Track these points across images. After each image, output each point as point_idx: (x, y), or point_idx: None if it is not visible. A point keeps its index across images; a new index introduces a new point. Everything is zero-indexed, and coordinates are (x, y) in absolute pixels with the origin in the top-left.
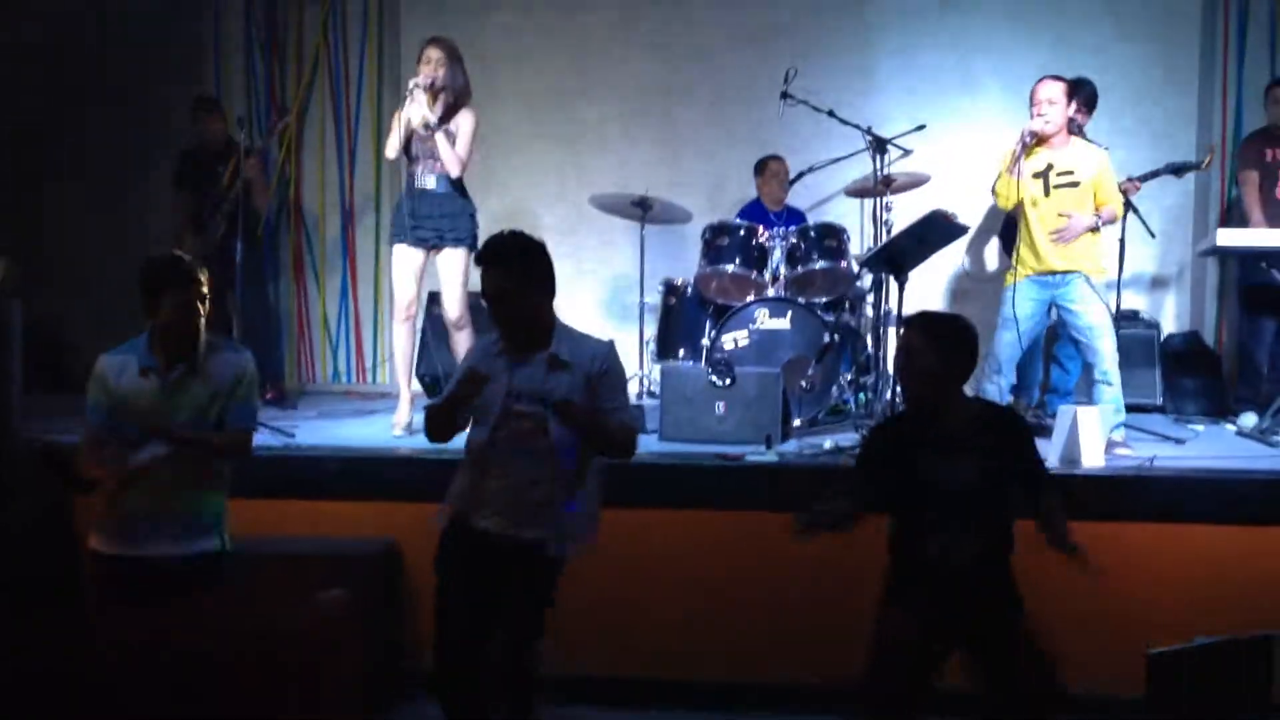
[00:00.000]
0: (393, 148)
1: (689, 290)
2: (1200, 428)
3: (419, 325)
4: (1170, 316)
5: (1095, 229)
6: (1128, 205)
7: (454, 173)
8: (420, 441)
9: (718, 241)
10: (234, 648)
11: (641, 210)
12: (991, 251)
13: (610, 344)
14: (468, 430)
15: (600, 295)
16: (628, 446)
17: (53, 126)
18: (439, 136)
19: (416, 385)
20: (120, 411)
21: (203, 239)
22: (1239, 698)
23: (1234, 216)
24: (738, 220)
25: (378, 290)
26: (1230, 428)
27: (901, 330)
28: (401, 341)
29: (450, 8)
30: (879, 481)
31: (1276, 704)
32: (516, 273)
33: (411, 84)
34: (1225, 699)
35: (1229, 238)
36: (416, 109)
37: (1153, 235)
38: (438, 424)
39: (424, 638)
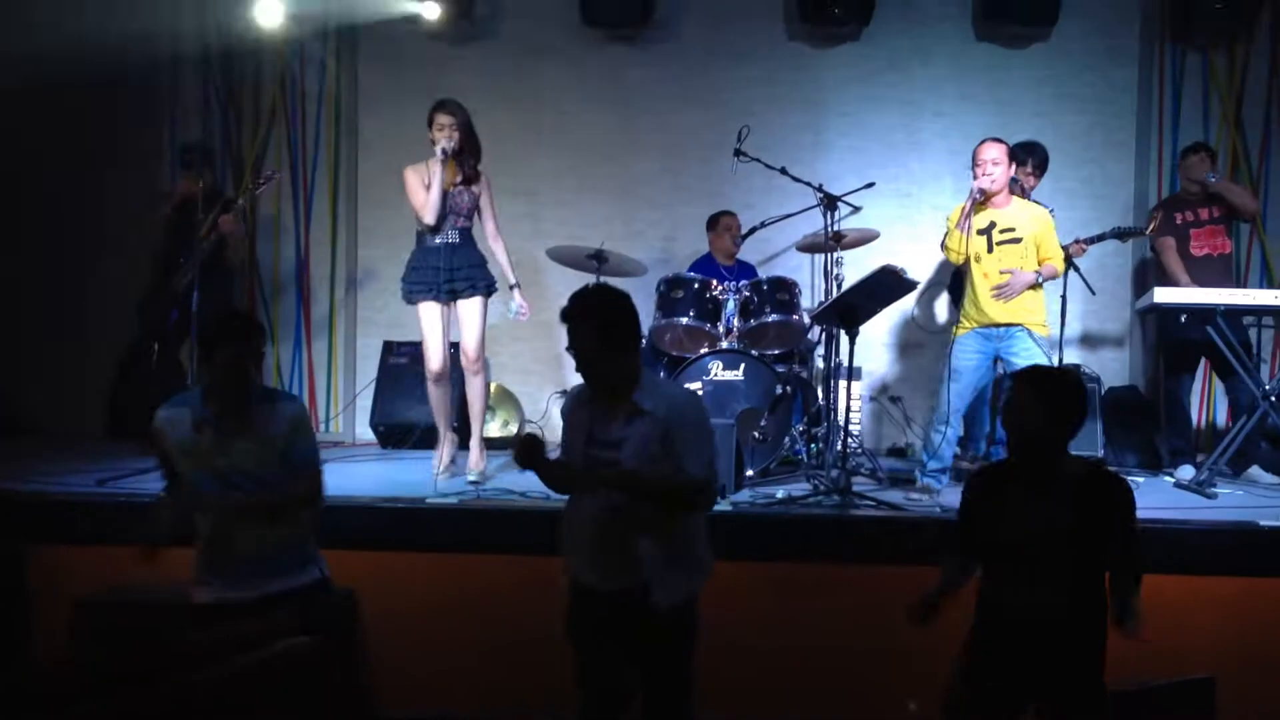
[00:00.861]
0: (433, 211)
1: (644, 342)
2: (1140, 479)
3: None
4: (1110, 371)
5: (1037, 285)
6: (1071, 264)
7: (495, 236)
8: (377, 487)
9: (672, 294)
10: (196, 693)
11: (597, 263)
12: (942, 305)
13: (695, 396)
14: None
15: (556, 346)
16: (696, 501)
17: (8, 183)
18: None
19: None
20: (180, 465)
21: (171, 285)
22: None
23: (1150, 279)
24: (692, 274)
25: (331, 340)
26: (1168, 479)
27: (1011, 384)
28: (434, 399)
29: (407, 62)
30: (978, 527)
31: None
32: (598, 328)
33: (440, 149)
34: None
35: (1166, 295)
36: (445, 170)
37: (1093, 293)
38: (558, 486)
39: (382, 687)
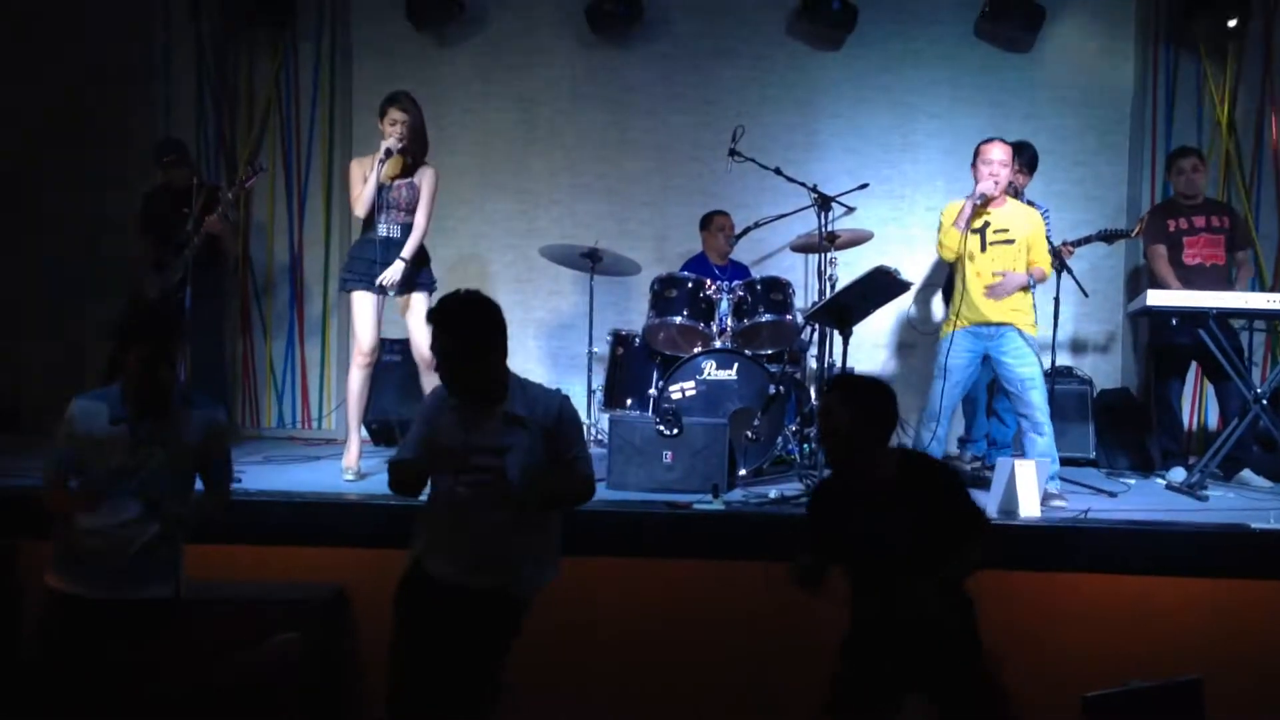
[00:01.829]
0: (364, 206)
1: (637, 341)
2: (1132, 481)
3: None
4: (1102, 374)
5: (1027, 287)
6: (1063, 266)
7: (421, 236)
8: (369, 486)
9: (666, 293)
10: (185, 691)
11: (591, 261)
12: (938, 305)
13: (564, 396)
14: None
15: (549, 345)
16: (586, 497)
17: (9, 179)
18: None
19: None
20: (88, 458)
21: (161, 281)
22: None
23: (1141, 286)
24: (686, 273)
25: (325, 338)
26: (1160, 481)
27: (822, 394)
28: (357, 386)
29: (401, 60)
30: (825, 539)
31: None
32: (466, 334)
33: (384, 148)
34: None
35: (1159, 299)
36: (384, 167)
37: (1086, 295)
38: (408, 485)
39: (373, 684)
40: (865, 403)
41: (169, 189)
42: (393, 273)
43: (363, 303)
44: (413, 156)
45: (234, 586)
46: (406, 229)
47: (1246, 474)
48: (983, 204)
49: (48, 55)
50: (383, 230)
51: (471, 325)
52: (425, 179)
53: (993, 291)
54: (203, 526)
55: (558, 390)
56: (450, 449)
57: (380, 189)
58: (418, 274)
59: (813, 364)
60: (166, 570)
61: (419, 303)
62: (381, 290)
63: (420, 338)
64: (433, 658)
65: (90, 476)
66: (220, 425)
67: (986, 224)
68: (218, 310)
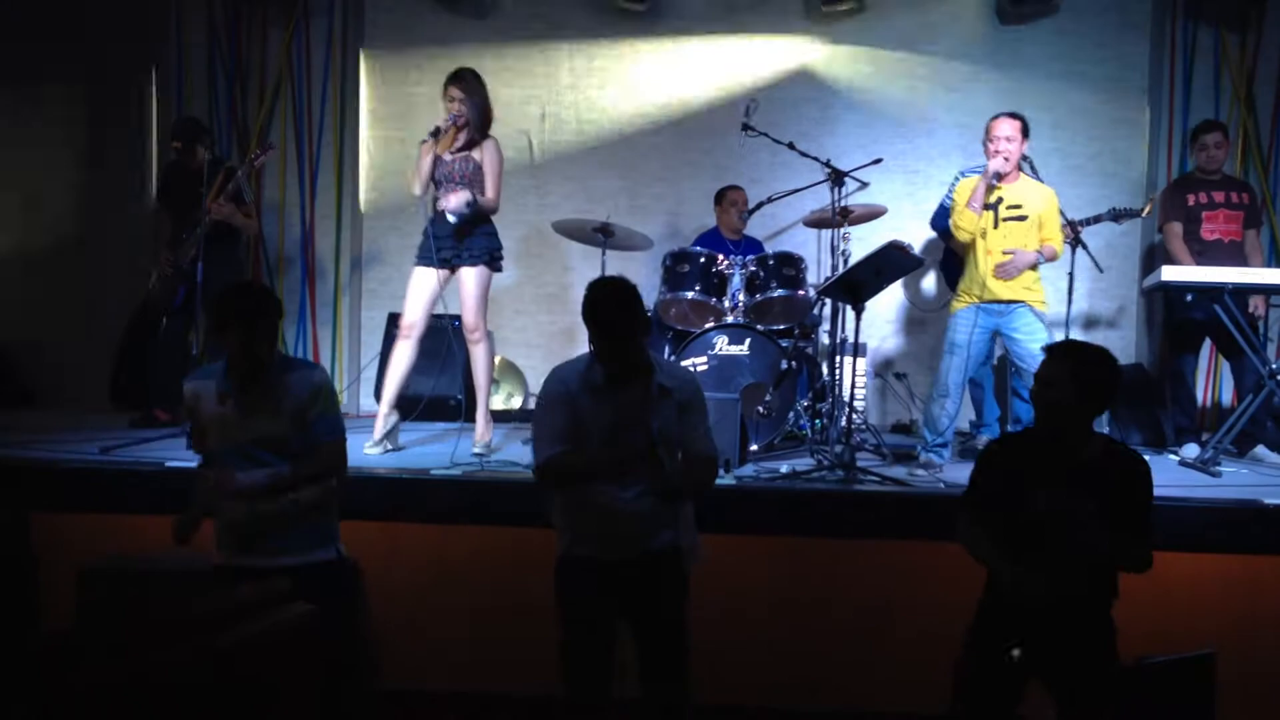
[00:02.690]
0: (419, 186)
1: (649, 316)
2: (1145, 457)
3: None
4: (1116, 350)
5: (1036, 265)
6: (1077, 242)
7: (492, 206)
8: (389, 459)
9: (678, 269)
10: (201, 659)
11: (603, 236)
12: (929, 282)
13: (695, 375)
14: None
15: (561, 320)
16: (708, 484)
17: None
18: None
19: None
20: (207, 434)
21: (176, 258)
22: (1185, 714)
23: (1156, 262)
24: (698, 248)
25: (336, 314)
26: (1173, 457)
27: (1044, 358)
28: (394, 357)
29: (414, 36)
30: (994, 503)
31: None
32: (635, 308)
33: (434, 126)
34: (1172, 715)
35: (1175, 274)
36: (441, 144)
37: (1101, 270)
38: (573, 478)
39: (384, 657)
40: (1093, 377)
41: (186, 166)
42: (456, 200)
43: (417, 278)
44: (472, 133)
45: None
46: (469, 203)
47: (1260, 450)
48: (998, 183)
49: (59, 31)
50: (440, 205)
51: (635, 300)
52: (487, 152)
53: (1002, 271)
54: (321, 477)
55: (691, 371)
56: (619, 438)
57: (438, 162)
58: (468, 246)
59: (825, 339)
60: (319, 532)
61: (469, 276)
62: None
63: (466, 307)
64: (607, 644)
65: (209, 452)
66: (322, 383)
67: (1000, 200)
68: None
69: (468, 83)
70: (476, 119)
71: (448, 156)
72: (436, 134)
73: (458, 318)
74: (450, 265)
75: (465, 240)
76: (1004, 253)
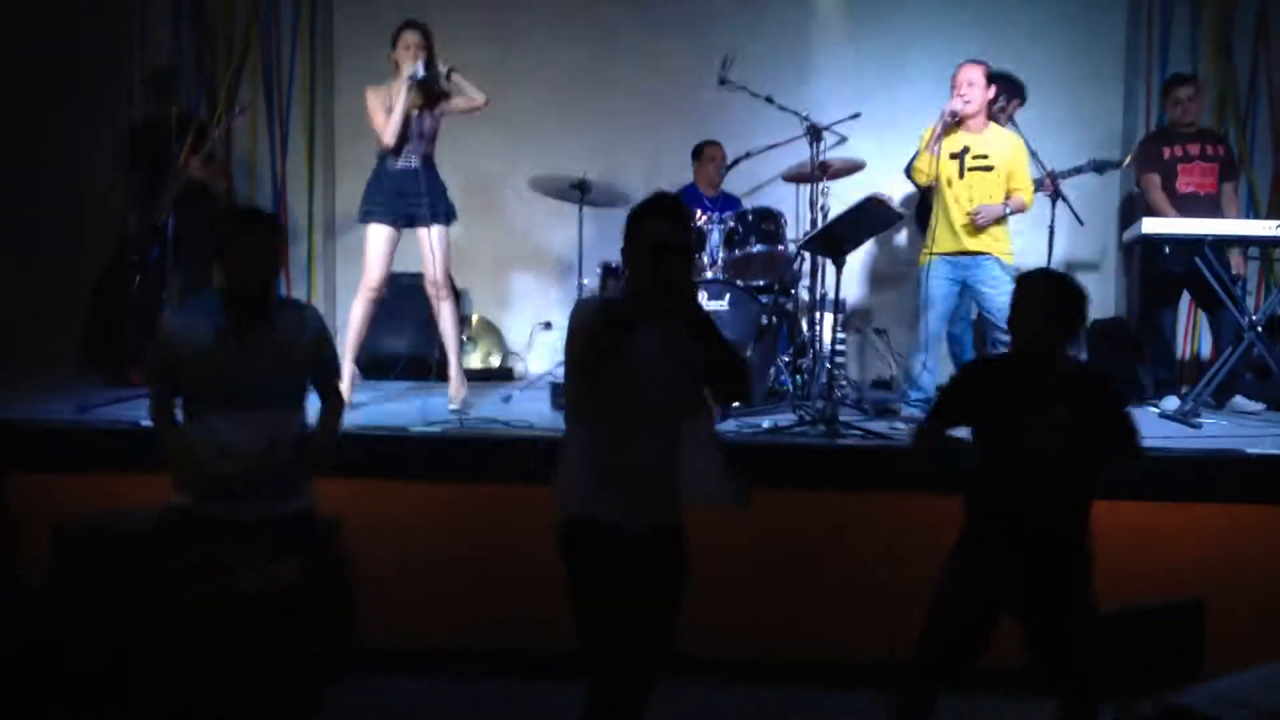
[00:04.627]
0: (393, 133)
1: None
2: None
3: None
4: (1095, 303)
5: (1004, 217)
6: (1057, 194)
7: (480, 100)
8: (359, 417)
9: None
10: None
11: (580, 193)
12: (903, 238)
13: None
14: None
15: (539, 277)
16: (747, 378)
17: None
18: (460, 81)
19: None
20: (194, 375)
21: (148, 218)
22: (1174, 660)
23: (1135, 214)
24: None
25: (310, 274)
26: (1153, 410)
27: (1018, 285)
28: (358, 317)
29: None
30: (965, 420)
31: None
32: (686, 226)
33: (409, 72)
34: (1161, 662)
35: (1155, 226)
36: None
37: (1081, 223)
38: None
39: (364, 617)
40: (1064, 302)
41: (158, 122)
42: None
43: (377, 235)
44: (432, 86)
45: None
46: (427, 160)
47: (1239, 400)
48: (955, 122)
49: None
50: (404, 162)
51: (687, 217)
52: (455, 96)
53: (971, 223)
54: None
55: None
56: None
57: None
58: (437, 203)
59: (804, 295)
60: (300, 483)
61: (439, 234)
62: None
63: (434, 265)
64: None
65: (198, 393)
66: (322, 326)
67: (966, 149)
68: (206, 247)
69: (426, 33)
70: (437, 73)
71: (412, 113)
72: (428, 80)
73: (417, 275)
74: (413, 222)
75: (428, 198)
76: (970, 200)
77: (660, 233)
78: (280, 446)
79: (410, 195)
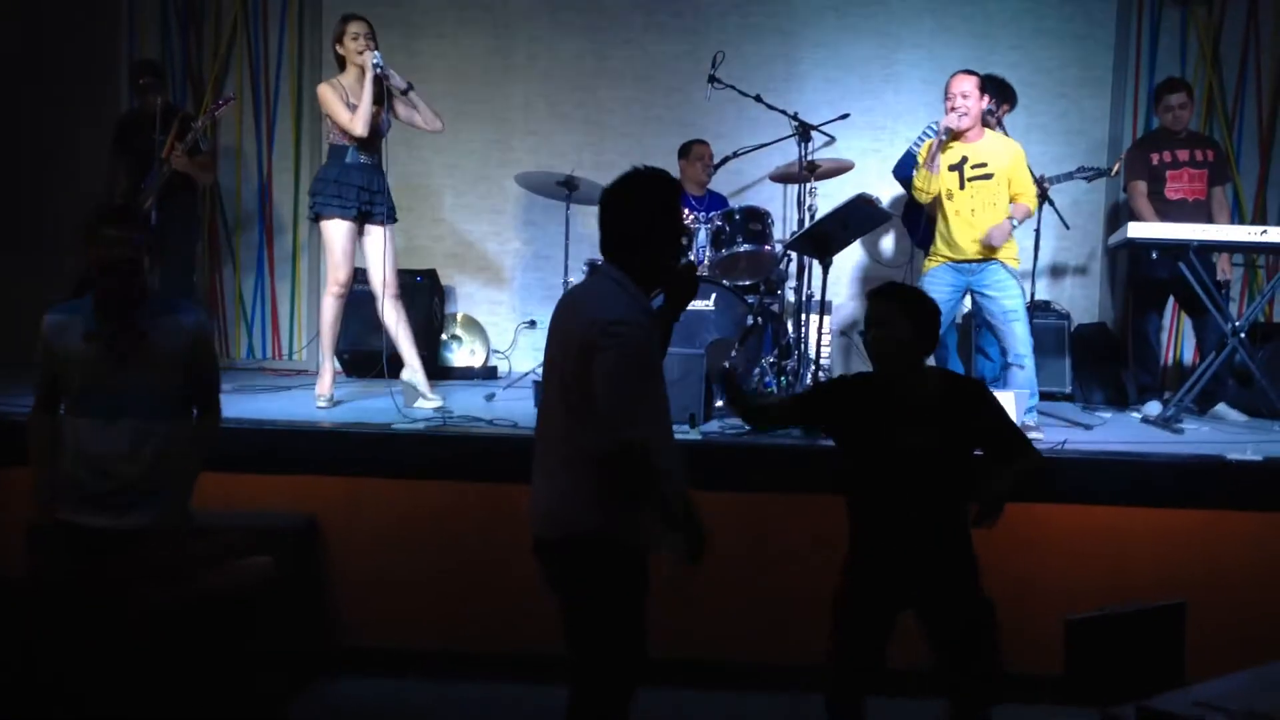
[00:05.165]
0: (363, 123)
1: None
2: (1107, 415)
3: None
4: (1079, 308)
5: (1011, 229)
6: (1045, 198)
7: (438, 126)
8: (341, 414)
9: None
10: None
11: (567, 190)
12: (889, 241)
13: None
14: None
15: (524, 276)
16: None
17: None
18: (415, 99)
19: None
20: (65, 376)
21: (134, 205)
22: (1155, 665)
23: (1120, 220)
24: None
25: (295, 267)
26: (1135, 415)
27: (870, 300)
28: (330, 315)
29: None
30: (818, 411)
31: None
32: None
33: (370, 63)
34: (1142, 666)
35: (1141, 231)
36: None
37: (1068, 227)
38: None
39: (344, 616)
40: (923, 313)
41: (142, 114)
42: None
43: (338, 230)
44: (390, 81)
45: (202, 515)
46: (376, 156)
47: (1221, 408)
48: (949, 139)
49: None
50: (366, 157)
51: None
52: (411, 112)
53: (984, 245)
54: (208, 450)
55: None
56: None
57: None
58: (384, 201)
59: (790, 296)
60: (160, 498)
61: (385, 233)
62: (404, 92)
63: (387, 264)
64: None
65: (72, 399)
66: (206, 330)
67: (964, 159)
68: (190, 238)
69: (368, 23)
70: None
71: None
72: (379, 69)
73: (419, 272)
74: (369, 219)
75: (381, 196)
76: (973, 211)
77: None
78: (144, 458)
79: (370, 190)
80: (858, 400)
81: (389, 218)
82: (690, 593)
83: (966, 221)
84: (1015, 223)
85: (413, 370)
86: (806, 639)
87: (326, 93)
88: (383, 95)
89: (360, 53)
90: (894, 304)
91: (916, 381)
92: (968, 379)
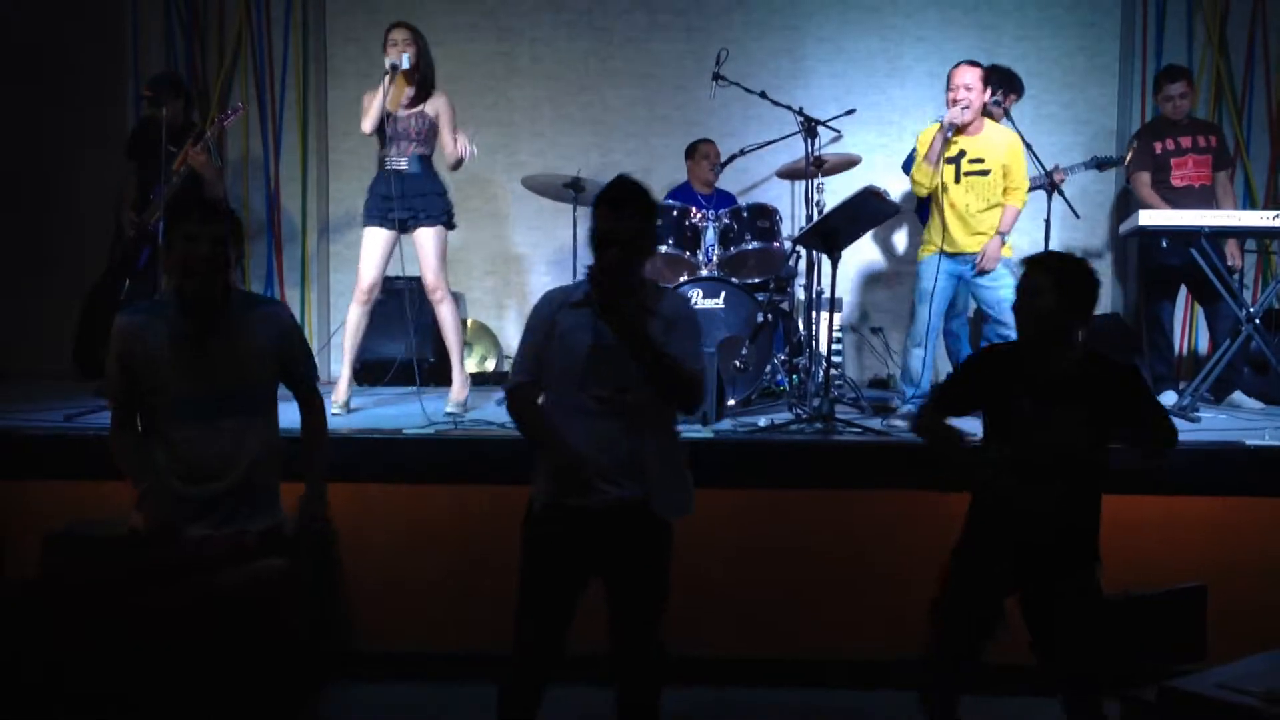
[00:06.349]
0: (371, 122)
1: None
2: None
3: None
4: None
5: (1004, 239)
6: (1055, 189)
7: (454, 158)
8: (355, 421)
9: None
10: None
11: (573, 192)
12: (901, 237)
13: (688, 297)
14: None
15: (531, 279)
16: (693, 390)
17: None
18: (445, 133)
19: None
20: (148, 382)
21: (142, 217)
22: (1176, 645)
23: (1129, 210)
24: (671, 200)
25: (304, 276)
26: None
27: (1025, 269)
28: (353, 321)
29: None
30: (975, 407)
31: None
32: (640, 216)
33: (388, 64)
34: (1164, 647)
35: (1152, 218)
36: (393, 86)
37: (1078, 217)
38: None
39: (358, 619)
40: (1075, 285)
41: (150, 125)
42: (464, 143)
43: (371, 239)
44: (421, 84)
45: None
46: (416, 160)
47: (1238, 396)
48: (954, 134)
49: None
50: (392, 163)
51: (642, 206)
52: (441, 107)
53: (980, 267)
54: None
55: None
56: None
57: (390, 119)
58: (425, 205)
59: (800, 293)
60: (268, 501)
61: (427, 236)
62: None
63: (426, 268)
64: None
65: (162, 407)
66: (294, 321)
67: (962, 153)
68: None
69: (414, 32)
70: (426, 71)
71: (401, 113)
72: (395, 70)
73: (414, 279)
74: (405, 227)
75: (420, 200)
76: (968, 206)
77: (603, 221)
78: (246, 460)
79: (397, 197)
80: (1002, 368)
81: (426, 221)
82: (705, 588)
83: (960, 216)
84: (1004, 236)
85: (456, 404)
86: (825, 633)
87: (364, 98)
88: (416, 92)
89: (388, 57)
90: (1045, 275)
91: (1061, 353)
92: (1116, 361)
